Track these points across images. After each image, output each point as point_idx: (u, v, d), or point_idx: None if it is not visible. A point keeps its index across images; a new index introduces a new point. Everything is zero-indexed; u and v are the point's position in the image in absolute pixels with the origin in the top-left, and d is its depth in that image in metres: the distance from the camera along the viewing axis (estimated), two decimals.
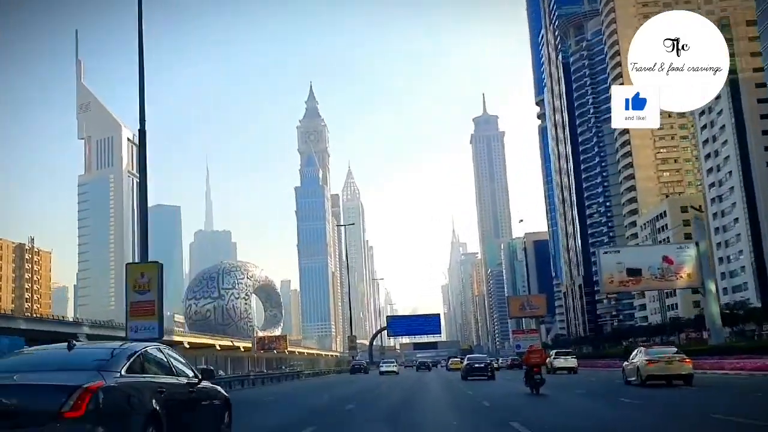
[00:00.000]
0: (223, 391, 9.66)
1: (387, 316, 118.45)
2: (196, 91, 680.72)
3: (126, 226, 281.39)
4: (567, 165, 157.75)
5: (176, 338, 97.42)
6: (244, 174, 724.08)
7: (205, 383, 8.83)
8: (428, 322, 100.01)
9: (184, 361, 8.78)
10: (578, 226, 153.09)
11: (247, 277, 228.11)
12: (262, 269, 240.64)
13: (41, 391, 6.36)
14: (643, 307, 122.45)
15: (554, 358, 48.16)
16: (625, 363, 28.31)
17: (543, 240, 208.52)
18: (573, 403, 19.60)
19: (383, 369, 62.25)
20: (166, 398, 7.34)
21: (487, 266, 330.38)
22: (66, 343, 7.64)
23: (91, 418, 6.20)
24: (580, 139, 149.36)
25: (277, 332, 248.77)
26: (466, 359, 45.40)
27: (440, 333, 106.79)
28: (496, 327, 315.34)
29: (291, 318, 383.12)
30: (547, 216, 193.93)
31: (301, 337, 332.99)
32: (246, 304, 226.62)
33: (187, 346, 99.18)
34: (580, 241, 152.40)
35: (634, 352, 27.88)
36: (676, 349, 27.51)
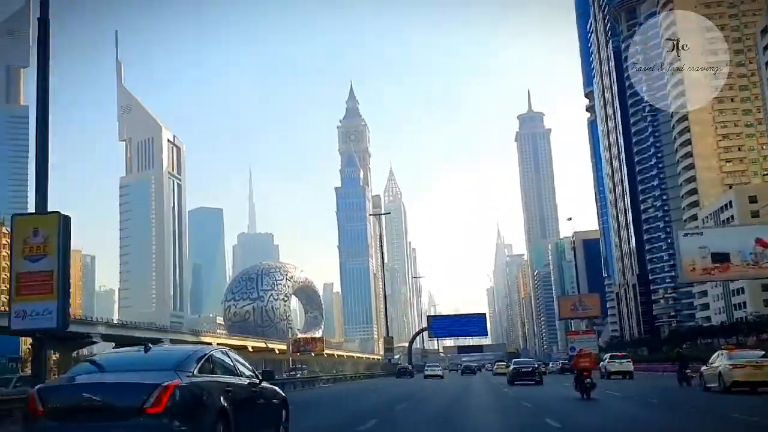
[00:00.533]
0: (281, 391, 10.36)
1: (428, 316, 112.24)
2: (238, 94, 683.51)
3: (167, 227, 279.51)
4: (619, 158, 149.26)
5: (204, 339, 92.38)
6: (285, 176, 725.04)
7: (265, 384, 9.50)
8: (473, 323, 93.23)
9: (246, 363, 9.37)
10: (632, 222, 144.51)
11: (287, 279, 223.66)
12: (302, 270, 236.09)
13: (126, 389, 7.17)
14: (705, 306, 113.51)
15: (608, 362, 46.88)
16: (704, 368, 26.37)
17: (593, 239, 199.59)
18: (629, 411, 18.61)
19: (428, 373, 62.41)
20: (232, 397, 8.03)
21: (533, 267, 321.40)
22: (143, 346, 8.49)
23: (170, 413, 6.94)
24: (633, 130, 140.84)
25: (318, 334, 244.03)
26: (512, 363, 43.52)
27: (486, 334, 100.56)
28: (543, 330, 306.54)
29: (334, 321, 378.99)
30: (597, 213, 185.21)
31: (343, 340, 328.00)
32: (285, 305, 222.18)
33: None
34: (634, 238, 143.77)
35: (714, 356, 25.91)
36: (763, 353, 25.59)
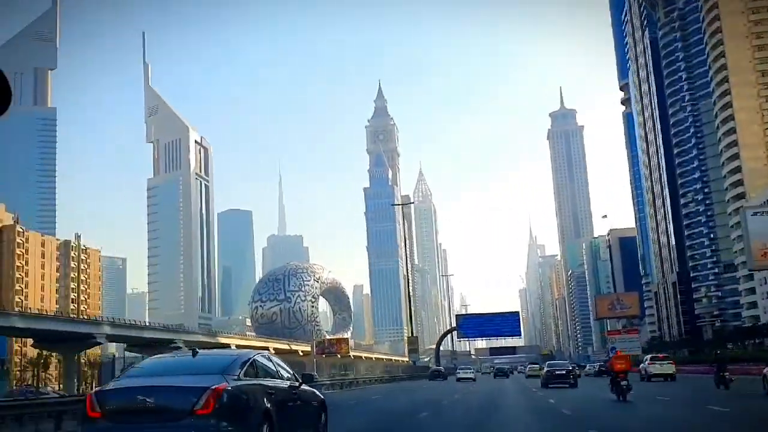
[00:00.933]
0: (320, 394, 10.72)
1: (457, 315, 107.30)
2: (266, 94, 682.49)
3: (195, 228, 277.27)
4: (657, 150, 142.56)
5: (222, 340, 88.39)
6: (314, 176, 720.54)
7: (304, 386, 9.82)
8: (505, 322, 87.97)
9: (287, 367, 9.82)
10: (671, 217, 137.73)
11: (314, 279, 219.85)
12: (330, 271, 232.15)
13: (177, 392, 7.58)
14: (752, 304, 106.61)
15: (649, 364, 45.18)
16: (767, 369, 25.44)
17: (629, 237, 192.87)
18: (667, 414, 18.30)
19: (460, 375, 61.81)
20: (275, 399, 8.45)
21: (567, 267, 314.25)
22: (191, 351, 8.91)
23: (218, 415, 7.34)
24: (672, 121, 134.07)
25: (347, 336, 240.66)
26: (546, 366, 42.83)
27: (519, 334, 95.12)
28: (578, 331, 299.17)
29: (364, 323, 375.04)
30: (634, 209, 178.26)
31: (373, 342, 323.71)
32: (313, 306, 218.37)
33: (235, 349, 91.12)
34: (673, 235, 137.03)
35: None
36: None
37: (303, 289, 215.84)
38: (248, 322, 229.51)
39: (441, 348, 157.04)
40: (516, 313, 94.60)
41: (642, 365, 45.74)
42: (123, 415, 7.48)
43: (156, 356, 9.76)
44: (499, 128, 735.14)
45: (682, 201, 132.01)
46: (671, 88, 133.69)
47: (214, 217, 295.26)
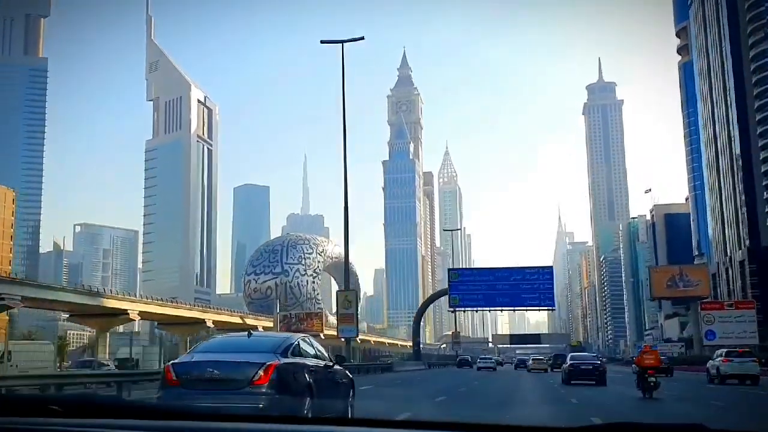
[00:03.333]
0: (349, 373, 12.46)
1: (449, 270, 78.55)
2: (283, 65, 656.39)
3: (194, 196, 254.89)
4: (726, 104, 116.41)
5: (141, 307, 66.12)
6: (335, 155, 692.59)
7: (336, 366, 11.50)
8: (528, 283, 56.79)
9: (323, 350, 11.45)
10: (741, 184, 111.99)
11: (317, 252, 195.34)
12: (337, 245, 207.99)
13: (239, 366, 9.18)
14: None
15: (724, 361, 36.32)
16: None
17: (677, 213, 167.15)
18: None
19: (480, 365, 64.40)
20: (314, 375, 9.99)
21: (599, 253, 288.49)
22: (247, 332, 11.24)
23: (272, 386, 8.98)
24: (752, 67, 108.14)
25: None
26: (569, 359, 35.51)
27: (552, 304, 67.99)
28: (608, 322, 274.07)
29: (383, 306, 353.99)
30: (688, 178, 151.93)
31: (387, 327, 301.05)
32: (314, 282, 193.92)
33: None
34: (744, 204, 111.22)
35: None
36: None
37: (303, 262, 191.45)
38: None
39: (451, 332, 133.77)
40: (548, 270, 61.91)
41: (712, 362, 37.77)
42: (195, 382, 9.17)
43: (219, 336, 12.20)
44: (530, 107, 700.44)
45: (764, 168, 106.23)
46: (753, 24, 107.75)
47: (217, 185, 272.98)
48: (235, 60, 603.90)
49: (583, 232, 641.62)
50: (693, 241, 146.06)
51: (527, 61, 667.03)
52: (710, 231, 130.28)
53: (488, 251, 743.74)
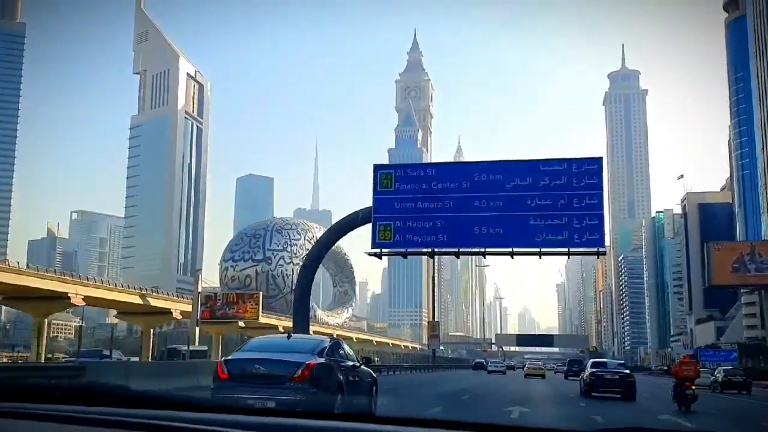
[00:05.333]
0: (372, 373, 14.14)
1: (375, 166, 48.26)
2: (289, 52, 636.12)
3: (177, 177, 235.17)
4: None
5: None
6: (345, 147, 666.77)
7: (362, 367, 13.29)
8: (554, 189, 28.98)
9: (351, 352, 13.32)
10: None
11: (305, 239, 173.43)
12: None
13: (282, 364, 10.86)
14: None
15: None
16: None
17: (714, 203, 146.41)
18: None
19: (491, 368, 67.90)
20: (344, 373, 11.78)
21: (617, 253, 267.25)
22: (286, 335, 13.58)
23: (310, 382, 10.56)
24: None
25: (346, 315, 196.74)
26: (589, 366, 29.92)
27: (602, 241, 33.75)
28: (626, 328, 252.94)
29: (386, 304, 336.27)
30: (731, 158, 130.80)
31: (387, 326, 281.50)
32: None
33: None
34: None
35: None
36: None
37: (289, 249, 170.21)
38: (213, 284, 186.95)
39: (450, 334, 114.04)
40: (595, 163, 29.70)
41: None
42: (243, 377, 10.74)
43: (261, 337, 13.91)
44: (548, 100, 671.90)
45: None
46: None
47: (206, 166, 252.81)
48: (242, 46, 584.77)
49: None
50: (737, 233, 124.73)
51: (546, 51, 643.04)
52: (762, 221, 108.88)
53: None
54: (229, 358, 11.68)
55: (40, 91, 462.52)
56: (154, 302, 58.69)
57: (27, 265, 57.95)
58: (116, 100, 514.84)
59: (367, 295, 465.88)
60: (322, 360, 11.14)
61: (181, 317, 60.98)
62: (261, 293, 65.00)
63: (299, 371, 10.59)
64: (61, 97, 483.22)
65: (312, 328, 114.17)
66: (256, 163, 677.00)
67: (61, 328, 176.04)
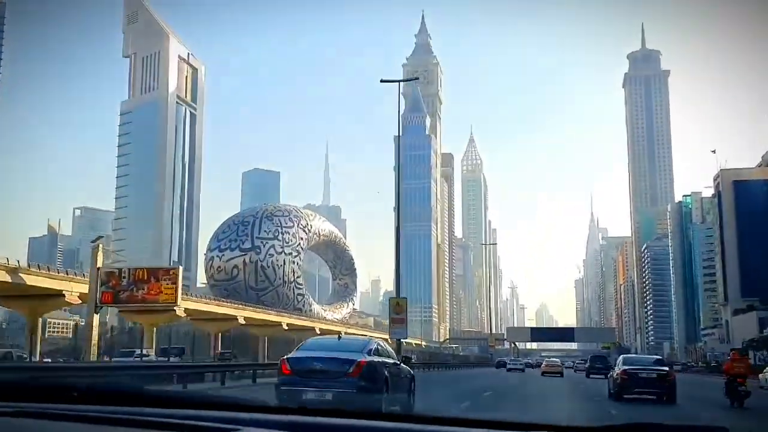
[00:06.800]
0: (411, 370, 15.79)
1: None
2: (290, 42, 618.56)
3: (168, 164, 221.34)
4: None
5: None
6: (353, 142, 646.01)
7: (402, 365, 15.05)
8: None
9: (392, 351, 15.30)
10: None
11: (299, 226, 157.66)
12: (325, 220, 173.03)
13: (337, 361, 12.57)
14: None
15: None
16: None
17: (750, 180, 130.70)
18: None
19: (510, 366, 69.23)
20: (389, 370, 13.41)
21: (640, 243, 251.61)
22: (337, 335, 16.19)
23: (361, 377, 12.23)
24: None
25: (347, 309, 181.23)
26: (620, 362, 25.56)
27: None
28: (649, 322, 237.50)
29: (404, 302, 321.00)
30: None
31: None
32: (294, 263, 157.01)
33: None
34: None
35: None
36: None
37: (280, 237, 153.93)
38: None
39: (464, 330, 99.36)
40: None
41: None
42: (303, 373, 12.47)
43: (315, 338, 16.64)
44: (563, 82, 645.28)
45: None
46: None
47: (201, 156, 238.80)
48: (243, 35, 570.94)
49: (618, 228, 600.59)
50: None
51: (561, 32, 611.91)
52: None
53: (515, 248, 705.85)
54: (291, 356, 13.54)
55: (22, 78, 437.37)
56: (32, 281, 43.98)
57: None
58: (108, 87, 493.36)
59: (380, 293, 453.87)
60: (370, 358, 12.99)
61: (78, 301, 46.51)
62: (180, 268, 49.93)
63: (353, 367, 12.41)
64: (47, 85, 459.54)
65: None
66: (261, 157, 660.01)
67: None
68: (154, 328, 51.72)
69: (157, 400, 2.17)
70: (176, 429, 1.80)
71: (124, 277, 43.68)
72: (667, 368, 25.06)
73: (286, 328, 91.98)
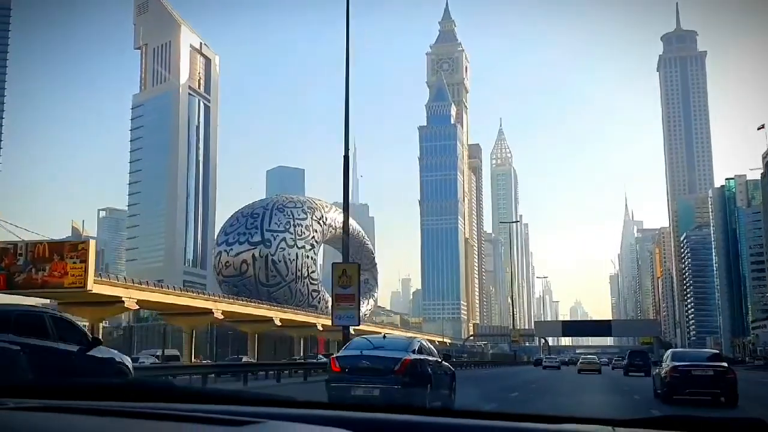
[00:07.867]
0: (451, 368, 16.16)
1: None
2: (308, 37, 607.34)
3: (181, 159, 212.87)
4: None
5: None
6: (377, 131, 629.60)
7: (443, 362, 15.26)
8: None
9: (434, 349, 15.47)
10: None
11: (314, 218, 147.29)
12: (339, 211, 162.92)
13: (384, 359, 12.97)
14: None
15: None
16: None
17: None
18: None
19: (546, 364, 70.37)
20: (432, 368, 13.85)
21: (678, 233, 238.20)
22: (383, 335, 15.51)
23: (406, 374, 12.65)
24: None
25: (367, 306, 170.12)
26: (668, 358, 22.08)
27: None
28: (690, 315, 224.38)
29: (421, 297, 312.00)
30: None
31: (422, 320, 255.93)
32: (308, 257, 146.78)
33: None
34: None
35: None
36: None
37: (292, 230, 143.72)
38: None
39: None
40: None
41: None
42: (353, 370, 13.04)
43: (361, 337, 16.86)
44: (594, 66, 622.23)
45: None
46: None
47: (216, 148, 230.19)
48: (262, 31, 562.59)
49: (653, 220, 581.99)
50: None
51: (592, 14, 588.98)
52: None
53: (547, 243, 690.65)
54: (340, 354, 14.41)
55: (27, 68, 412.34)
56: None
57: None
58: (126, 80, 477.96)
59: (410, 291, 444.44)
60: (415, 356, 13.41)
61: None
62: (90, 242, 40.09)
63: (398, 365, 12.77)
64: (57, 80, 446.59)
65: (320, 322, 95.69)
66: (282, 153, 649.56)
67: None
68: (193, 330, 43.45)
69: (182, 395, 2.19)
70: (197, 422, 1.81)
71: (20, 255, 33.91)
72: (725, 364, 21.68)
73: (321, 329, 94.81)
